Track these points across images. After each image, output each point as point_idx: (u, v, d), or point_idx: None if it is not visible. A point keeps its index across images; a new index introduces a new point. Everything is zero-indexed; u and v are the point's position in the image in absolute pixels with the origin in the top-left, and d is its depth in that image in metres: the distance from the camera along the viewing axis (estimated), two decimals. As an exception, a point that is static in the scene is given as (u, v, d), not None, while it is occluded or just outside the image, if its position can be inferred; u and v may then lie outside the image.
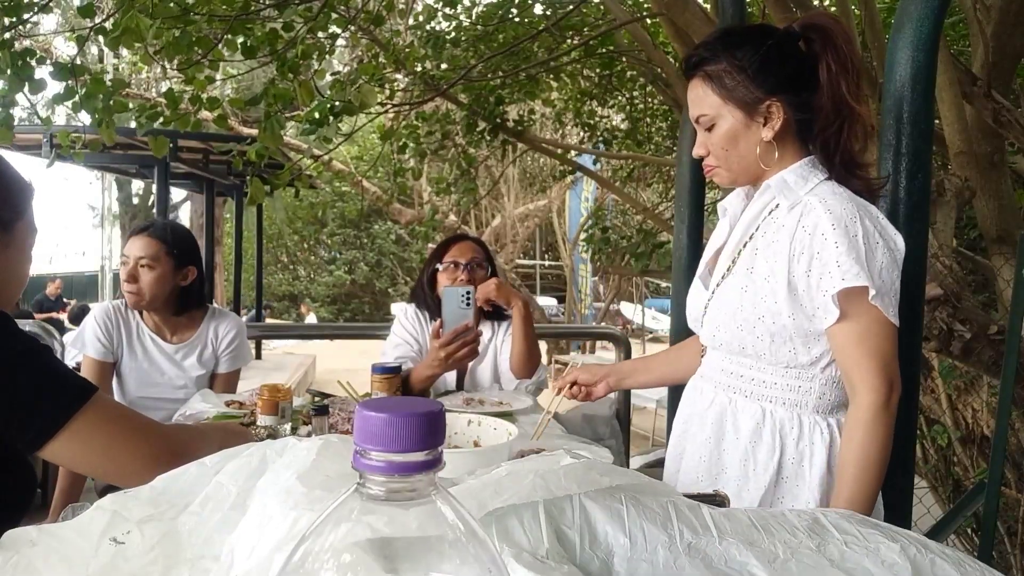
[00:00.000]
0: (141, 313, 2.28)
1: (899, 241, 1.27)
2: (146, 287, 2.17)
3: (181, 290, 2.24)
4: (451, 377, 2.27)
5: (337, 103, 3.41)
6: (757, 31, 1.38)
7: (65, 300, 12.23)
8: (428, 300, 2.33)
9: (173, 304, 2.25)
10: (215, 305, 2.51)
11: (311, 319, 17.05)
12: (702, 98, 1.34)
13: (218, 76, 4.17)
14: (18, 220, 1.14)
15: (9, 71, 2.83)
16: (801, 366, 1.31)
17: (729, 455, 1.38)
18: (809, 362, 1.31)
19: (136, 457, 1.05)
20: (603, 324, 11.19)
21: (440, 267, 2.29)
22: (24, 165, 1.22)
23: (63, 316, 11.01)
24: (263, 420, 1.68)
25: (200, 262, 2.30)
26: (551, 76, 5.51)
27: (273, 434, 1.64)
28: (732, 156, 1.35)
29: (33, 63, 2.91)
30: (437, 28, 5.18)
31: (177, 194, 14.99)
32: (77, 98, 2.97)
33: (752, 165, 1.35)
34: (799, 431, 1.31)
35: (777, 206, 1.34)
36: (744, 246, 1.38)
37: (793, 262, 1.27)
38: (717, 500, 0.96)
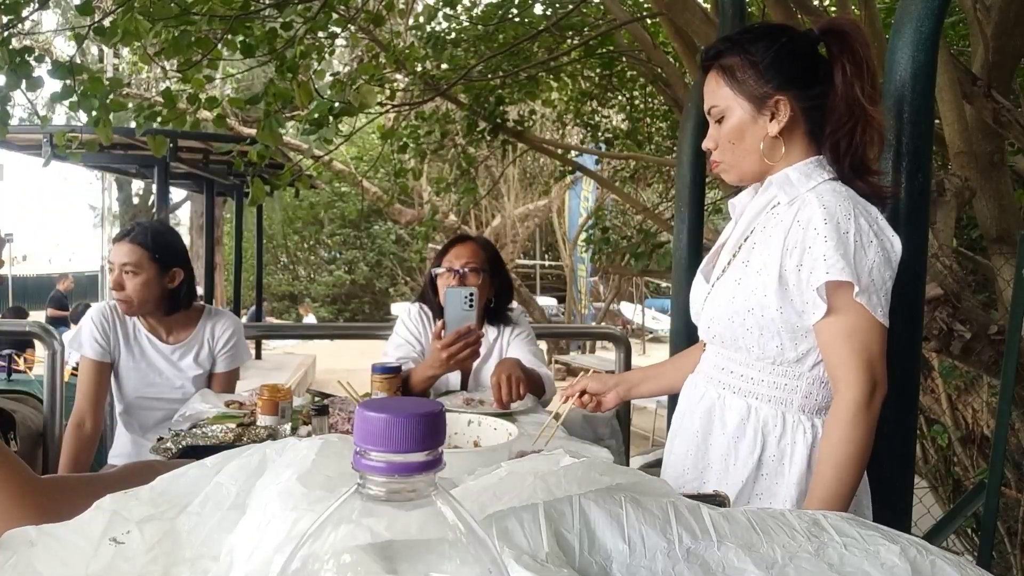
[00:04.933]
0: None
1: (896, 243, 1.27)
2: (133, 293, 2.16)
3: (170, 292, 2.23)
4: (454, 377, 2.27)
5: (337, 103, 3.41)
6: (776, 29, 1.40)
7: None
8: (433, 302, 2.33)
9: (163, 306, 2.24)
10: (213, 305, 2.51)
11: (310, 319, 17.03)
12: (715, 90, 1.37)
13: (217, 75, 4.17)
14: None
15: (7, 67, 2.81)
16: (788, 363, 1.32)
17: (715, 450, 1.39)
18: (796, 359, 1.32)
19: None
20: (603, 324, 11.18)
21: (437, 272, 2.30)
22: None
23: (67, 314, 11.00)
24: (263, 420, 1.68)
25: (187, 262, 2.28)
26: (551, 76, 5.51)
27: (273, 434, 1.64)
28: (738, 150, 1.36)
29: (32, 61, 2.89)
30: (437, 28, 5.18)
31: (177, 194, 15.02)
32: (75, 97, 2.96)
33: (757, 161, 1.36)
34: (782, 429, 1.33)
35: (779, 202, 1.35)
36: (745, 240, 1.40)
37: (785, 256, 1.28)
38: (717, 500, 0.96)
